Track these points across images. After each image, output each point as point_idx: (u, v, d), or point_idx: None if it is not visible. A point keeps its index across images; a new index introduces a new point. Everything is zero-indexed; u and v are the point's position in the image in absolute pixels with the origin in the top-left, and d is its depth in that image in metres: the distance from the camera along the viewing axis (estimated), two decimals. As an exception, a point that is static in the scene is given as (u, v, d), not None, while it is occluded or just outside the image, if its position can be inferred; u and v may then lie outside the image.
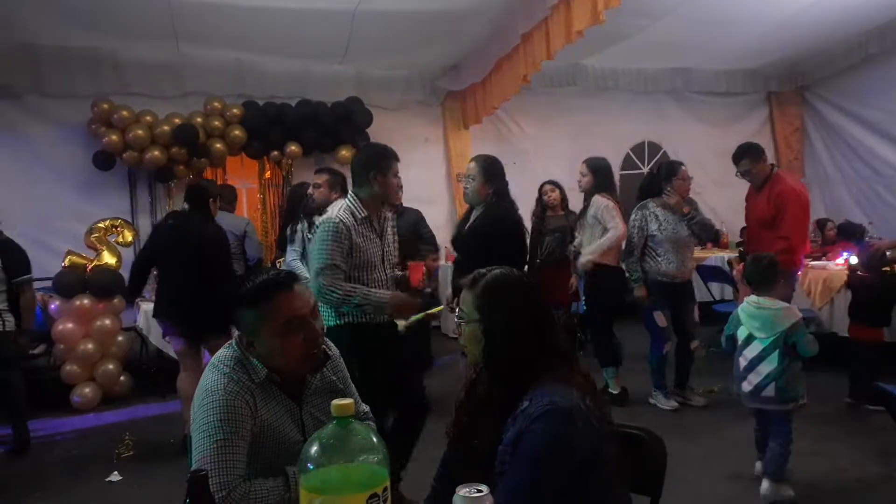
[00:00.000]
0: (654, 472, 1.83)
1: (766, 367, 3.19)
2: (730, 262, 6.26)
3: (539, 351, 1.60)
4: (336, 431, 1.08)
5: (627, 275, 4.60)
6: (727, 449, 3.85)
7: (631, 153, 8.20)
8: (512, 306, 1.63)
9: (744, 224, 5.15)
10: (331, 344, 1.87)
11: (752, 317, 3.28)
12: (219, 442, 1.53)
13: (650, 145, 8.24)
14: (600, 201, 4.64)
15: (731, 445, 3.87)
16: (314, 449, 1.06)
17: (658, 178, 4.67)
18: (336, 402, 1.08)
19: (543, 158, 7.58)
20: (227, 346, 1.73)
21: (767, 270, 3.35)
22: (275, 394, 1.69)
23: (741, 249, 5.56)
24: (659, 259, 4.52)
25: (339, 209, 2.97)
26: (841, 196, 7.98)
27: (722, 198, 7.29)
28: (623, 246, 4.70)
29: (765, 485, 3.21)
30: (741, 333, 3.33)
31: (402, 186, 3.37)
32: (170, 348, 4.93)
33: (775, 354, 3.17)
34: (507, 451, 1.52)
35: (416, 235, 5.21)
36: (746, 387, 3.28)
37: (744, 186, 4.88)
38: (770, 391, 3.19)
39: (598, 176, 4.74)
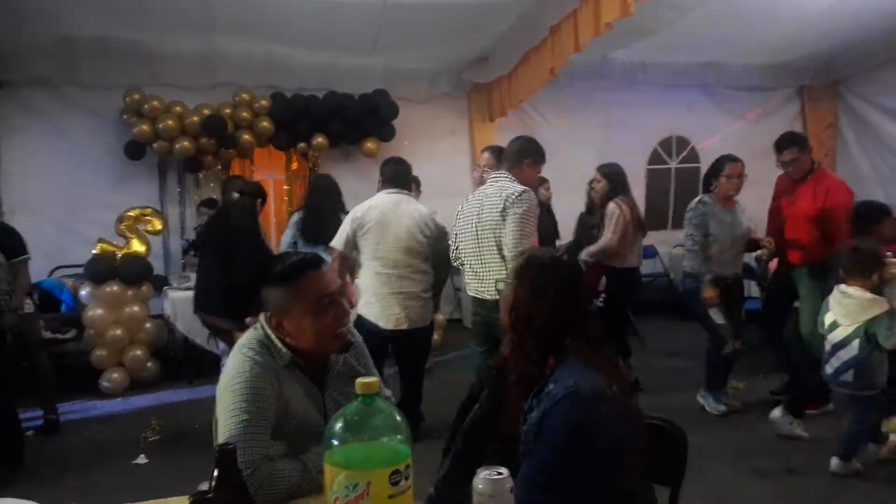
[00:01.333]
0: (675, 463, 1.82)
1: (846, 354, 3.35)
2: (758, 259, 6.15)
3: (565, 331, 1.64)
4: (360, 409, 1.09)
5: (691, 275, 4.33)
6: (753, 446, 3.82)
7: (659, 148, 8.11)
8: (546, 283, 1.68)
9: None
10: (354, 330, 1.89)
11: (839, 304, 3.45)
12: (244, 422, 1.56)
13: (678, 140, 8.13)
14: (612, 208, 4.67)
15: (757, 442, 3.83)
16: (338, 425, 1.08)
17: (710, 171, 4.50)
18: (361, 379, 1.09)
19: (569, 153, 7.51)
20: (253, 328, 1.76)
21: (865, 261, 3.45)
22: (298, 377, 1.71)
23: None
24: (712, 255, 4.32)
25: (515, 185, 3.31)
26: (875, 194, 7.75)
27: (751, 194, 7.13)
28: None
29: (834, 462, 3.36)
30: (828, 319, 3.51)
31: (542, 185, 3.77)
32: (196, 336, 5.03)
33: (856, 343, 3.32)
34: (530, 433, 1.54)
35: None
36: (829, 369, 3.46)
37: (772, 183, 4.80)
38: (848, 377, 3.34)
39: (612, 181, 4.76)
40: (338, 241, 3.93)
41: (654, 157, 8.10)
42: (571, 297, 1.71)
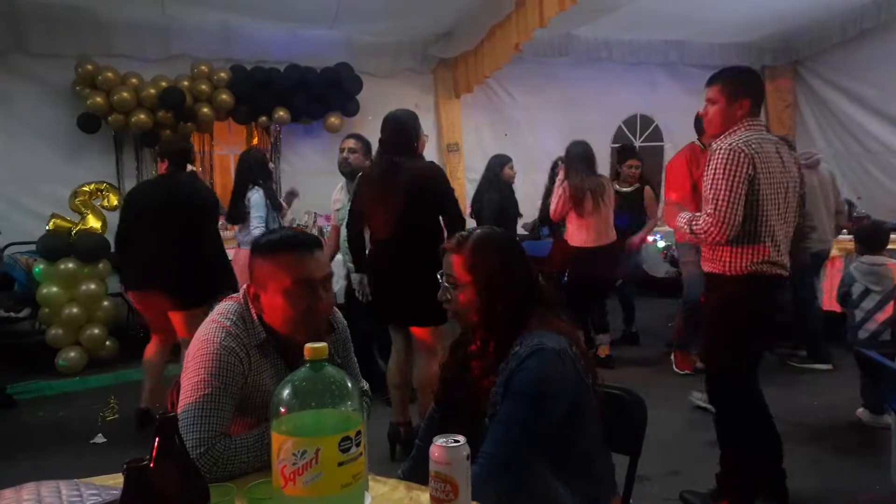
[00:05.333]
0: (634, 431, 1.84)
1: (883, 316, 3.71)
2: None
3: (530, 301, 1.64)
4: (309, 374, 1.06)
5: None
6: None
7: (623, 126, 8.15)
8: (503, 260, 1.65)
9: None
10: (339, 317, 1.81)
11: (868, 273, 3.80)
12: (205, 396, 1.49)
13: (642, 118, 8.18)
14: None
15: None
16: (286, 392, 1.05)
17: None
18: (309, 344, 1.06)
19: (535, 130, 7.53)
20: (229, 298, 1.68)
21: (884, 235, 3.95)
22: (271, 357, 1.63)
23: None
24: None
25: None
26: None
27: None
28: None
29: (866, 414, 3.73)
30: (856, 289, 3.82)
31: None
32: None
33: (890, 304, 3.70)
34: (498, 392, 1.56)
35: None
36: (863, 334, 3.78)
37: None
38: (886, 335, 3.70)
39: (567, 161, 4.92)
40: None
41: (619, 136, 8.14)
42: (523, 274, 1.68)
